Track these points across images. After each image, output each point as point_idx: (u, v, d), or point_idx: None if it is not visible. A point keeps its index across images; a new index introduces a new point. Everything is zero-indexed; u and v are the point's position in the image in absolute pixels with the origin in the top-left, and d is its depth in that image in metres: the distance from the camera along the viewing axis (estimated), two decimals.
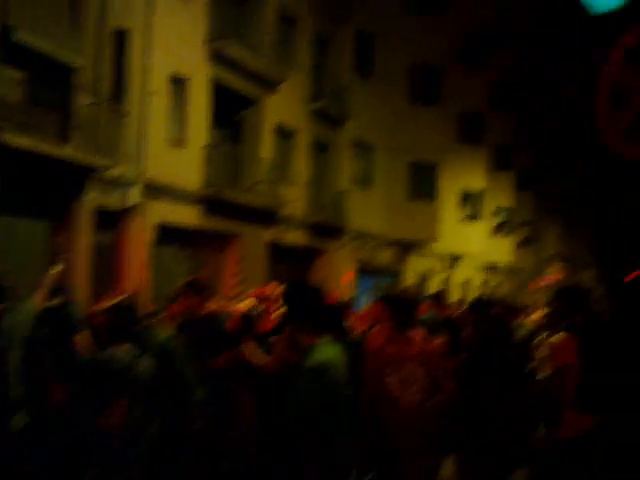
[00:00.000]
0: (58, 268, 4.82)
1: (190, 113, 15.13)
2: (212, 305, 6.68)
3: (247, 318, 5.87)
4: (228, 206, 15.72)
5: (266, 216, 17.28)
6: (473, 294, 30.71)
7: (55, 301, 4.81)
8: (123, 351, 4.31)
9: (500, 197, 32.04)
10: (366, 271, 22.72)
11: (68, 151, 11.47)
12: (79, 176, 12.10)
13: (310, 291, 3.93)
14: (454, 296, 28.45)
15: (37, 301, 4.49)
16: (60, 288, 5.71)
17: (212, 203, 15.38)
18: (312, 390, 3.43)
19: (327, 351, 3.62)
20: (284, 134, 18.77)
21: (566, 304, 4.61)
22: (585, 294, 4.87)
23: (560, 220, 43.23)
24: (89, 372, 4.18)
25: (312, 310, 3.75)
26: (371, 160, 23.26)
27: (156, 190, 13.89)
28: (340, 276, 20.46)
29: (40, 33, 11.32)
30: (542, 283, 34.48)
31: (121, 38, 13.29)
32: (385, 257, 23.60)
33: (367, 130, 22.60)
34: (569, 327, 4.43)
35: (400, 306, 4.90)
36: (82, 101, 12.18)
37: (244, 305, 6.59)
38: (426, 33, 24.52)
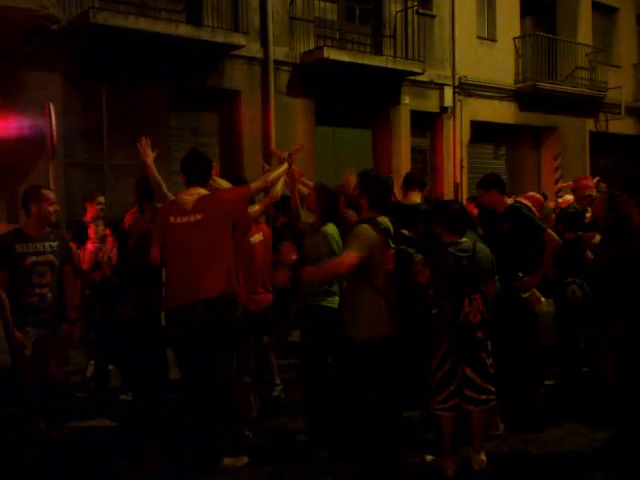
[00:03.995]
0: None
1: (498, 5, 14.63)
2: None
3: None
4: (544, 98, 15.04)
5: (587, 105, 16.20)
6: None
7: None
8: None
9: None
10: None
11: (383, 60, 12.03)
12: (395, 83, 12.67)
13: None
14: None
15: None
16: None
17: (527, 96, 14.88)
18: None
19: None
20: (604, 13, 17.15)
21: None
22: None
23: None
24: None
25: None
26: None
27: (469, 89, 13.90)
28: None
29: None
30: None
31: None
32: None
33: None
34: None
35: None
36: (392, 10, 12.60)
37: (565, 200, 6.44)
38: None
